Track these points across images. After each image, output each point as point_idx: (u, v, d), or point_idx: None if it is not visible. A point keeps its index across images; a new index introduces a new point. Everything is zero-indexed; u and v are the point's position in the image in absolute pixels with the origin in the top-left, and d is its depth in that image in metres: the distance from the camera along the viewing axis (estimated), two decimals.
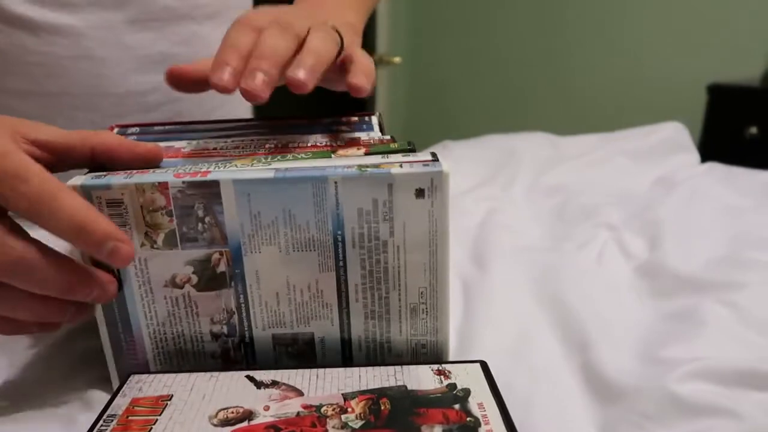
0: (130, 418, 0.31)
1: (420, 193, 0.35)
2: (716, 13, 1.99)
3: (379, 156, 0.38)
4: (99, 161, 0.37)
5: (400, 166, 0.35)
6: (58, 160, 0.35)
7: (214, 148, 0.43)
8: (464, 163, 0.88)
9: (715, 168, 0.84)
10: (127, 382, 0.35)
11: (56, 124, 0.38)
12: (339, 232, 0.35)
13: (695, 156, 0.91)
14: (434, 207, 0.35)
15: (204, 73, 0.40)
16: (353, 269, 0.37)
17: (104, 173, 0.36)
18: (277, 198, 0.35)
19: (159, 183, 0.35)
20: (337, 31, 0.41)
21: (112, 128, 0.47)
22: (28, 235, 0.32)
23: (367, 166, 0.35)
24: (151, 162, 0.37)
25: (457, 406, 0.31)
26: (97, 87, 0.55)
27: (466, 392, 0.32)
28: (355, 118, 0.50)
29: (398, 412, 0.31)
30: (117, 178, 0.35)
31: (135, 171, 0.36)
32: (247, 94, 0.34)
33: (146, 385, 0.34)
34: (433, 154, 0.37)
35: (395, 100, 2.55)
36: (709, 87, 1.82)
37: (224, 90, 0.35)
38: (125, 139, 0.37)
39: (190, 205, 0.35)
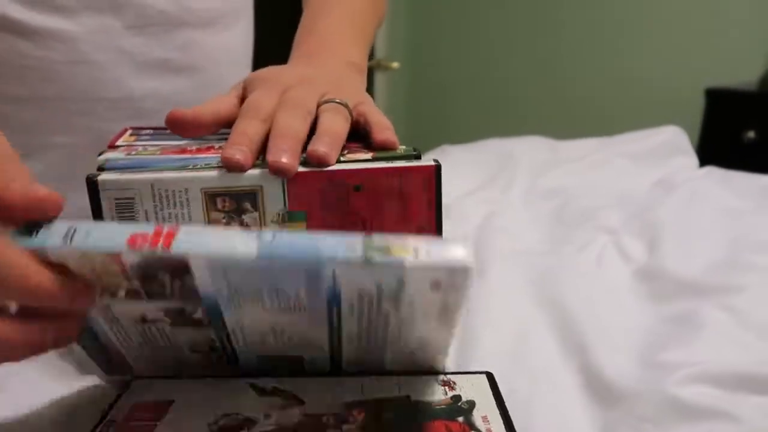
0: (130, 423, 0.31)
1: (436, 285, 0.29)
2: (714, 17, 2.00)
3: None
4: None
5: (415, 252, 0.29)
6: None
7: (219, 147, 0.43)
8: (463, 167, 0.89)
9: (714, 172, 0.84)
10: (129, 387, 0.35)
11: (52, 129, 0.38)
12: (334, 304, 0.31)
13: (694, 160, 0.91)
14: (450, 299, 0.30)
15: (203, 117, 0.41)
16: (349, 326, 0.34)
17: (39, 227, 0.30)
18: (262, 276, 0.29)
19: (109, 254, 0.28)
20: (345, 105, 0.41)
21: (125, 130, 0.48)
22: None
23: (375, 249, 0.29)
24: (48, 211, 0.30)
25: (460, 419, 0.31)
26: (92, 92, 0.55)
27: (471, 405, 0.32)
28: None
29: (400, 424, 0.31)
30: (53, 240, 0.28)
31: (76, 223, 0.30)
32: (278, 170, 0.34)
33: (147, 391, 0.34)
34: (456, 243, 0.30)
35: (393, 105, 2.55)
36: (707, 91, 1.82)
37: (239, 168, 0.35)
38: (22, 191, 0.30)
39: (153, 274, 0.30)
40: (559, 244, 0.62)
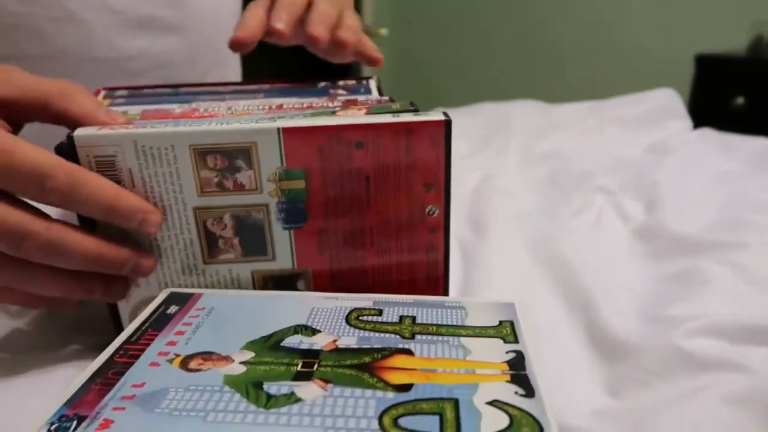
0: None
1: None
2: None
3: None
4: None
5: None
6: (13, 118, 0.35)
7: (206, 110, 0.42)
8: (456, 130, 0.87)
9: (708, 134, 0.84)
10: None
11: None
12: None
13: (687, 122, 0.91)
14: None
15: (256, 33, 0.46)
16: None
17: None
18: None
19: None
20: None
21: (98, 91, 0.46)
22: (48, 215, 0.33)
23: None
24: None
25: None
26: (80, 52, 0.53)
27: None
28: (353, 82, 0.49)
29: None
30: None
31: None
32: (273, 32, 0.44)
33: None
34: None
35: (382, 72, 2.52)
36: (697, 57, 1.82)
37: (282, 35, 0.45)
38: (95, 109, 0.36)
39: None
40: (556, 206, 0.62)
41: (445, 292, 0.41)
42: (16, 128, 0.35)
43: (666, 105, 0.93)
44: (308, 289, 0.39)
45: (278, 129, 0.34)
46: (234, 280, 0.38)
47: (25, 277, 0.33)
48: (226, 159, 0.35)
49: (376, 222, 0.38)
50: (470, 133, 0.87)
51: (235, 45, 0.45)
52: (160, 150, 0.34)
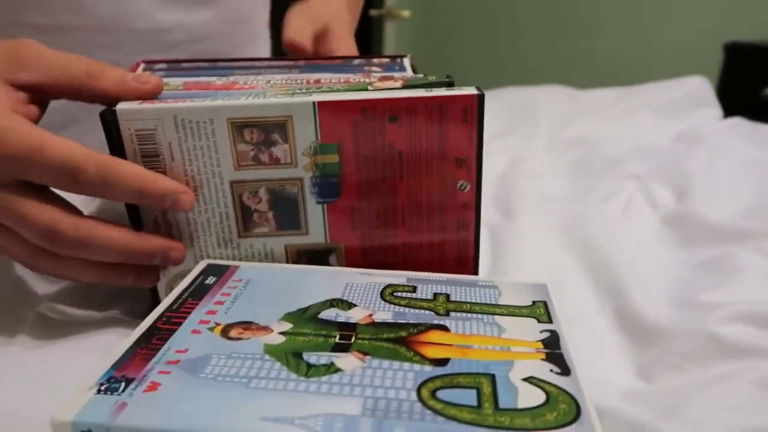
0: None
1: None
2: None
3: None
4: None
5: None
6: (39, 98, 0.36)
7: (245, 82, 0.42)
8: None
9: (739, 123, 0.83)
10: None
11: None
12: None
13: (718, 111, 0.89)
14: None
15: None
16: None
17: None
18: None
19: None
20: None
21: (138, 64, 0.46)
22: (79, 210, 0.35)
23: None
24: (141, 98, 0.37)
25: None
26: (117, 23, 0.53)
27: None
28: (387, 59, 0.49)
29: None
30: None
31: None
32: None
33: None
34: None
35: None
36: (726, 45, 1.79)
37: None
38: (123, 80, 0.36)
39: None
40: (585, 191, 0.62)
41: (475, 271, 0.41)
42: (41, 107, 0.36)
43: (696, 93, 0.91)
44: (340, 264, 0.39)
45: (313, 103, 0.35)
46: (268, 254, 0.39)
47: (60, 267, 0.35)
48: (262, 133, 0.35)
49: (407, 197, 0.38)
50: (497, 116, 0.87)
51: (290, 46, 0.50)
52: (199, 123, 0.35)
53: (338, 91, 0.37)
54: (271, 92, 0.37)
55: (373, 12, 2.27)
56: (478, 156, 0.37)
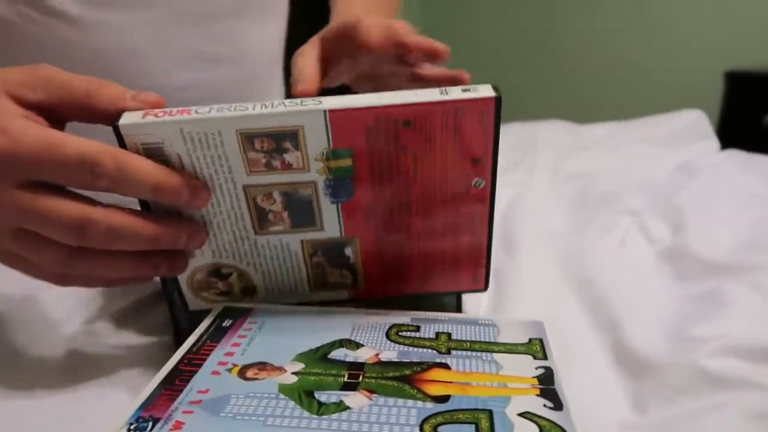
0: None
1: None
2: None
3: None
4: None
5: None
6: (55, 119, 0.36)
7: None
8: None
9: (736, 155, 0.85)
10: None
11: None
12: None
13: (715, 143, 0.92)
14: None
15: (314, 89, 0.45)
16: None
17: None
18: None
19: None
20: None
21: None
22: (101, 203, 0.34)
23: None
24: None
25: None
26: (139, 81, 0.56)
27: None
28: None
29: None
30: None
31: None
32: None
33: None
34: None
35: None
36: (727, 74, 1.82)
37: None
38: (121, 97, 0.36)
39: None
40: (583, 226, 0.64)
41: (488, 265, 0.42)
42: (58, 126, 0.36)
43: (693, 125, 0.94)
44: (356, 256, 0.40)
45: (324, 111, 0.34)
46: (284, 248, 0.39)
47: (95, 266, 0.35)
48: (273, 141, 0.35)
49: (422, 193, 0.38)
50: (500, 150, 0.90)
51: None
52: (207, 135, 0.34)
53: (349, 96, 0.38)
54: (277, 100, 0.36)
55: None
56: (494, 155, 0.37)
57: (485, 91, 0.35)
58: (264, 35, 0.66)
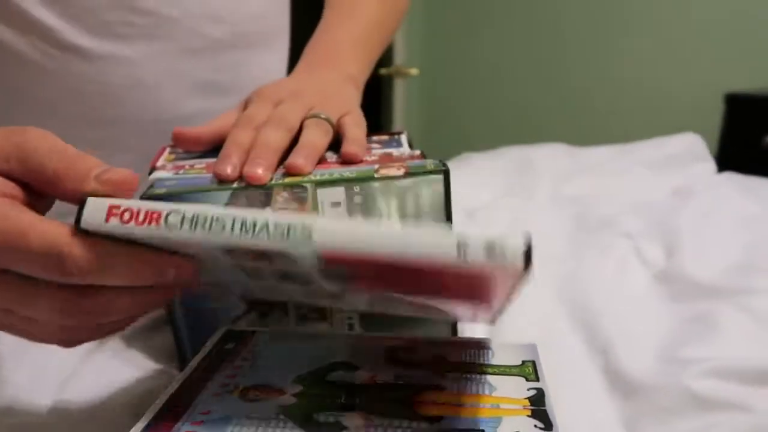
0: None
1: None
2: (733, 21, 2.01)
3: None
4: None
5: None
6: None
7: None
8: (484, 174, 0.92)
9: (732, 177, 0.86)
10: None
11: (109, 149, 0.42)
12: None
13: (712, 166, 0.93)
14: None
15: (203, 135, 0.46)
16: None
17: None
18: None
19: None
20: (328, 119, 0.45)
21: (163, 149, 0.51)
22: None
23: None
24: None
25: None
26: (147, 113, 0.58)
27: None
28: (386, 137, 0.53)
29: None
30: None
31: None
32: (251, 179, 0.38)
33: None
34: None
35: (412, 111, 2.59)
36: (726, 96, 1.83)
37: (227, 179, 0.39)
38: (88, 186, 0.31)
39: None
40: (580, 249, 0.65)
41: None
42: (39, 202, 0.33)
43: (690, 149, 0.95)
44: None
45: (318, 255, 0.29)
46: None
47: (100, 307, 0.31)
48: (262, 254, 0.31)
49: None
50: (498, 175, 0.91)
51: (175, 139, 0.46)
52: (184, 243, 0.31)
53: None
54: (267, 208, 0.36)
55: (383, 71, 2.37)
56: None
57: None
58: (266, 65, 0.68)
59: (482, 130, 2.51)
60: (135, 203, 0.30)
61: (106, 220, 0.30)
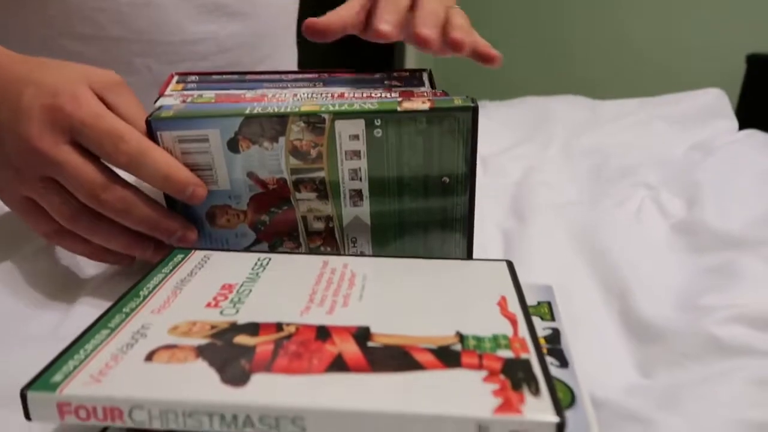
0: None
1: None
2: None
3: None
4: None
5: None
6: None
7: (273, 96, 0.45)
8: (501, 123, 0.89)
9: (754, 135, 0.84)
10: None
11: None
12: None
13: (734, 123, 0.90)
14: None
15: (334, 25, 0.45)
16: None
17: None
18: None
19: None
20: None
21: (171, 77, 0.49)
22: (125, 180, 0.39)
23: None
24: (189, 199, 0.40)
25: None
26: (154, 33, 0.57)
27: None
28: (406, 73, 0.51)
29: None
30: None
31: None
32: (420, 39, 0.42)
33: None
34: None
35: (427, 61, 2.54)
36: (749, 57, 1.79)
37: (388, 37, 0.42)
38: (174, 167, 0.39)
39: None
40: (597, 198, 0.63)
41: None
42: None
43: (713, 105, 0.92)
44: None
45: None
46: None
47: (96, 227, 0.39)
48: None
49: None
50: (514, 124, 0.89)
51: (306, 30, 0.45)
52: None
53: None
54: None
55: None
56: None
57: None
58: None
59: (504, 79, 2.46)
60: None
61: (61, 417, 0.25)
